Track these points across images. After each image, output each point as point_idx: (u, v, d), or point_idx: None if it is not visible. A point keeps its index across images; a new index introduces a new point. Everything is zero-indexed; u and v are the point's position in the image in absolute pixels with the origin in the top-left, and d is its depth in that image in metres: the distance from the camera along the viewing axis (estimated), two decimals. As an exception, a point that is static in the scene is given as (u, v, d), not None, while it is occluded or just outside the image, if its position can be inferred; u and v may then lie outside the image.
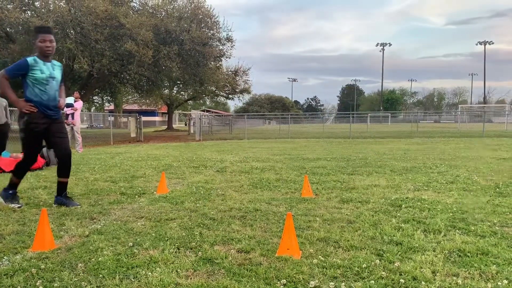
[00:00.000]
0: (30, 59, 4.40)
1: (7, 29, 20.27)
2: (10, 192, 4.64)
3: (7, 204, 4.51)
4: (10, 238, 3.36)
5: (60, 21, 17.86)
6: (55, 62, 4.65)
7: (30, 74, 4.36)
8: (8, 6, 19.44)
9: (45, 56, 4.47)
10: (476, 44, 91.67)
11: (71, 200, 4.67)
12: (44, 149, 8.77)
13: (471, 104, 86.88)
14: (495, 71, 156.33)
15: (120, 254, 2.93)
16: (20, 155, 8.16)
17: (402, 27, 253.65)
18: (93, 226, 3.74)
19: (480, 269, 2.62)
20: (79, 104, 12.88)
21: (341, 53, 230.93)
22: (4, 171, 7.60)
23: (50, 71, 4.48)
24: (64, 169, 4.65)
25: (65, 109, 12.69)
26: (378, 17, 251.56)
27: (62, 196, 4.63)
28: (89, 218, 4.04)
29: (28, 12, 20.05)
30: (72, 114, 12.65)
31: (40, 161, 8.24)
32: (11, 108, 9.76)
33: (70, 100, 12.73)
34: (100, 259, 2.83)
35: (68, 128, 12.67)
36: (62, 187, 4.65)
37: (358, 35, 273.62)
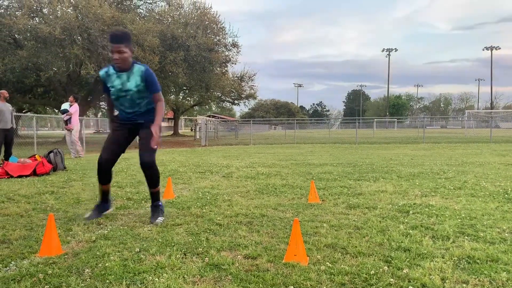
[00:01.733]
0: (102, 72, 4.08)
1: (16, 35, 20.48)
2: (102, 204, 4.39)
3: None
4: (18, 243, 3.37)
5: (68, 27, 18.03)
6: (137, 68, 4.02)
7: (106, 88, 4.10)
8: (17, 12, 19.68)
9: (119, 67, 4.00)
10: (483, 50, 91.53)
11: (156, 214, 4.19)
12: (51, 154, 8.82)
13: (478, 109, 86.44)
14: (502, 76, 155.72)
15: (127, 260, 2.93)
16: (28, 160, 8.23)
17: (408, 33, 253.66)
18: (100, 231, 3.74)
19: (490, 276, 2.59)
20: (73, 108, 12.66)
21: (347, 59, 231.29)
22: (12, 176, 7.65)
23: (123, 82, 4.00)
24: (146, 179, 4.25)
25: (62, 115, 12.76)
26: (384, 22, 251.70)
27: (153, 204, 4.27)
28: (95, 224, 4.04)
29: (36, 18, 20.26)
30: (69, 119, 12.57)
31: (48, 166, 8.29)
32: (18, 114, 9.85)
33: (65, 106, 12.75)
34: (107, 264, 2.82)
35: (68, 133, 12.71)
36: (152, 197, 4.30)
37: (363, 40, 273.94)
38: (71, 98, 12.89)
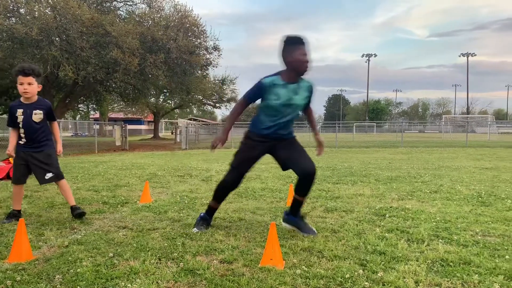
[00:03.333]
0: (267, 81, 3.58)
1: (-10, 35, 19.98)
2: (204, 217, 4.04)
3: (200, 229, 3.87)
4: (-14, 249, 3.26)
5: (45, 28, 17.66)
6: (305, 82, 3.69)
7: (265, 98, 3.61)
8: (-8, 12, 19.21)
9: (299, 75, 3.62)
10: (459, 56, 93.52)
11: (307, 224, 3.86)
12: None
13: (454, 114, 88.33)
14: (477, 82, 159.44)
15: (100, 265, 2.86)
16: (1, 164, 7.99)
17: (386, 39, 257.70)
18: (73, 236, 3.66)
19: (463, 279, 2.63)
20: None
21: (328, 63, 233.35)
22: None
23: (290, 96, 3.61)
24: (305, 188, 3.75)
25: None
26: (364, 28, 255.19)
27: (297, 216, 3.83)
28: (69, 228, 3.95)
29: (13, 19, 19.79)
30: None
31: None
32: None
33: None
34: (78, 270, 2.76)
35: None
36: (298, 206, 3.84)
37: (344, 46, 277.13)
38: None
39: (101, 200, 5.44)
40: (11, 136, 4.34)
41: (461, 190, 6.17)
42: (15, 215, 4.31)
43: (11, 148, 4.31)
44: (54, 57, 17.98)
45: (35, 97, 4.24)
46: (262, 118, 3.73)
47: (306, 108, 3.87)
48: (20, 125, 4.20)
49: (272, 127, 3.71)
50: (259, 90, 3.61)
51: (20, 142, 4.26)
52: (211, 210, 4.04)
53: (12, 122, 4.24)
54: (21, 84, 4.10)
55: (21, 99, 4.23)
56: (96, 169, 9.74)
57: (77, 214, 4.27)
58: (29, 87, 4.11)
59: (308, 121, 4.14)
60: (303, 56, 3.52)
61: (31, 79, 4.11)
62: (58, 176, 4.35)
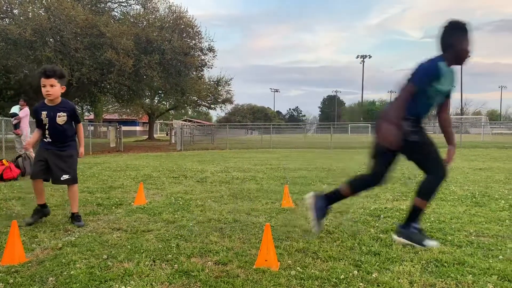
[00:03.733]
0: (442, 64, 3.23)
1: (-16, 36, 19.86)
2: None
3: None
4: (-21, 252, 3.23)
5: (39, 29, 17.59)
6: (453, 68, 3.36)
7: (434, 85, 3.24)
8: (-15, 13, 19.10)
9: (457, 63, 3.33)
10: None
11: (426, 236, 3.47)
12: (20, 159, 8.56)
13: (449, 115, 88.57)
14: (471, 83, 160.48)
15: (94, 267, 2.85)
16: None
17: (381, 40, 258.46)
18: (67, 238, 3.64)
19: (457, 279, 2.63)
20: (23, 112, 11.87)
21: (322, 65, 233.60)
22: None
23: (449, 83, 3.34)
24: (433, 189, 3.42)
25: (11, 119, 12.13)
26: (358, 29, 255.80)
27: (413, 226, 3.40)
28: (63, 230, 3.93)
29: (6, 19, 19.69)
30: (18, 123, 11.79)
31: (15, 171, 8.04)
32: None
33: (15, 109, 12.07)
34: (72, 272, 2.74)
35: (17, 138, 12.06)
36: (418, 214, 3.44)
37: (338, 47, 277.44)
38: (21, 102, 12.12)
39: (95, 202, 5.41)
40: (34, 133, 4.35)
41: (455, 190, 6.19)
42: (38, 211, 4.27)
43: (30, 141, 4.37)
44: (48, 58, 17.89)
45: (59, 99, 4.20)
46: (419, 106, 3.32)
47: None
48: (46, 127, 4.18)
49: (423, 118, 3.37)
50: (435, 75, 3.21)
51: (44, 139, 4.25)
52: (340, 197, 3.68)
53: (38, 124, 4.23)
54: (44, 86, 4.06)
55: (45, 101, 4.20)
56: (90, 170, 9.70)
57: (76, 224, 4.20)
58: (52, 89, 4.06)
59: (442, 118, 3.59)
60: (470, 46, 3.27)
61: (53, 81, 4.05)
62: (74, 180, 4.30)
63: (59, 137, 4.22)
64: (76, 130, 4.40)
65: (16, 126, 11.86)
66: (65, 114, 4.20)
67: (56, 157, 4.20)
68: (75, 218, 4.24)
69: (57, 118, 4.16)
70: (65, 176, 4.20)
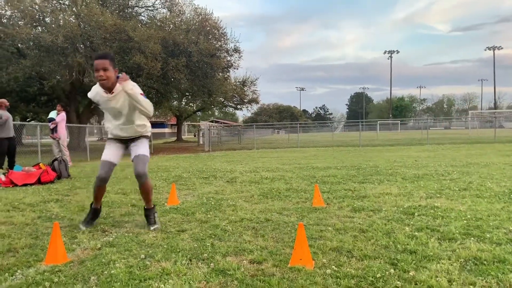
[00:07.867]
0: None
1: (19, 45, 20.61)
2: None
3: None
4: (23, 252, 3.37)
5: (70, 35, 18.12)
6: None
7: None
8: (19, 22, 19.81)
9: None
10: (485, 50, 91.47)
11: None
12: (56, 163, 8.85)
13: (481, 109, 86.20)
14: (504, 76, 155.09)
15: (133, 267, 2.93)
16: (32, 169, 8.25)
17: (407, 35, 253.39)
18: (105, 238, 3.75)
19: (497, 278, 2.57)
20: (60, 117, 12.34)
21: (347, 62, 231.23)
22: (16, 185, 7.68)
23: None
24: None
25: (49, 124, 12.56)
26: (383, 25, 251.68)
27: None
28: (100, 231, 4.05)
29: (39, 28, 20.37)
30: (55, 128, 12.26)
31: (52, 174, 8.31)
32: (22, 123, 9.88)
33: (52, 114, 12.51)
34: (112, 271, 2.82)
35: (54, 142, 12.50)
36: None
37: (363, 43, 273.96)
38: (58, 107, 12.58)
39: (130, 203, 5.54)
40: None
41: (491, 187, 6.02)
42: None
43: None
44: (79, 63, 18.43)
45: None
46: None
47: None
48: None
49: None
50: None
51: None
52: None
53: None
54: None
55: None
56: (123, 172, 9.92)
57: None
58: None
59: None
60: None
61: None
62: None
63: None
64: None
65: (53, 130, 12.32)
66: None
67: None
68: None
69: None
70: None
